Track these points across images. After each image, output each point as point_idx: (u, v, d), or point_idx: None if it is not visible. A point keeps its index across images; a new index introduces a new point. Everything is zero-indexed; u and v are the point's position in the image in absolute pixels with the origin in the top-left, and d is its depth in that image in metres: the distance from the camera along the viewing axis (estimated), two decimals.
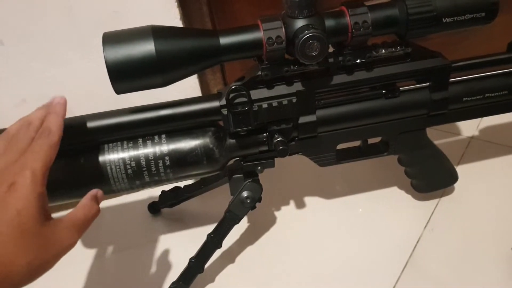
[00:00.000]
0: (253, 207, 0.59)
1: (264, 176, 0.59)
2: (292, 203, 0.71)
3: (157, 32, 0.46)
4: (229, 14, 0.73)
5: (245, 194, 0.57)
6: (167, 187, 0.69)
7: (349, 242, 0.63)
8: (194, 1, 0.69)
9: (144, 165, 0.51)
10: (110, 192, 0.53)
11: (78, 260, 0.66)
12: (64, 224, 0.41)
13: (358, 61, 0.52)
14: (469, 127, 0.79)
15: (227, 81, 0.79)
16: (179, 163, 0.52)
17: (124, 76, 0.45)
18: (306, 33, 0.46)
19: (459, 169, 0.69)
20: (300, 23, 0.47)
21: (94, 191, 0.45)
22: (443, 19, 0.50)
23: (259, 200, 0.59)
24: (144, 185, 0.53)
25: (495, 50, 0.59)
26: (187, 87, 0.72)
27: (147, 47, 0.45)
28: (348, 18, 0.48)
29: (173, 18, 0.66)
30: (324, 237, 0.65)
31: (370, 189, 0.71)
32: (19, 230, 0.37)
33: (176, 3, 0.65)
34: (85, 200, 0.44)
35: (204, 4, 0.70)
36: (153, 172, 0.52)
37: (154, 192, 0.71)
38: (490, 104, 0.59)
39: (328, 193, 0.71)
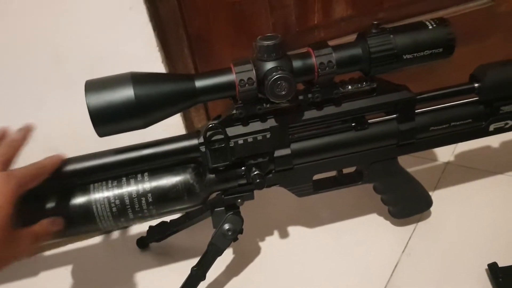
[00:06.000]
0: (235, 239, 0.61)
1: (247, 208, 0.61)
2: (276, 232, 0.73)
3: (136, 78, 0.49)
4: (209, 55, 0.77)
5: (226, 226, 0.59)
6: (154, 222, 0.71)
7: (331, 269, 0.65)
8: (175, 43, 0.72)
9: (128, 203, 0.54)
10: (97, 230, 0.55)
11: None
12: (24, 234, 0.47)
13: (326, 97, 0.55)
14: (445, 153, 0.82)
15: (211, 117, 0.81)
16: (161, 199, 0.55)
17: (105, 120, 0.48)
18: (274, 75, 0.49)
19: (436, 194, 0.71)
20: (269, 65, 0.51)
21: (53, 218, 0.52)
22: (404, 55, 0.54)
23: (241, 231, 0.61)
24: (128, 222, 0.55)
25: (460, 81, 0.62)
26: (172, 124, 0.74)
27: (127, 93, 0.48)
28: (314, 59, 0.52)
29: (155, 60, 0.69)
30: (307, 265, 0.67)
31: (350, 216, 0.73)
32: None
33: (157, 47, 0.69)
34: (45, 221, 0.50)
35: (186, 47, 0.73)
36: (136, 209, 0.54)
37: (143, 227, 0.73)
38: (456, 132, 0.62)
39: (310, 222, 0.74)
